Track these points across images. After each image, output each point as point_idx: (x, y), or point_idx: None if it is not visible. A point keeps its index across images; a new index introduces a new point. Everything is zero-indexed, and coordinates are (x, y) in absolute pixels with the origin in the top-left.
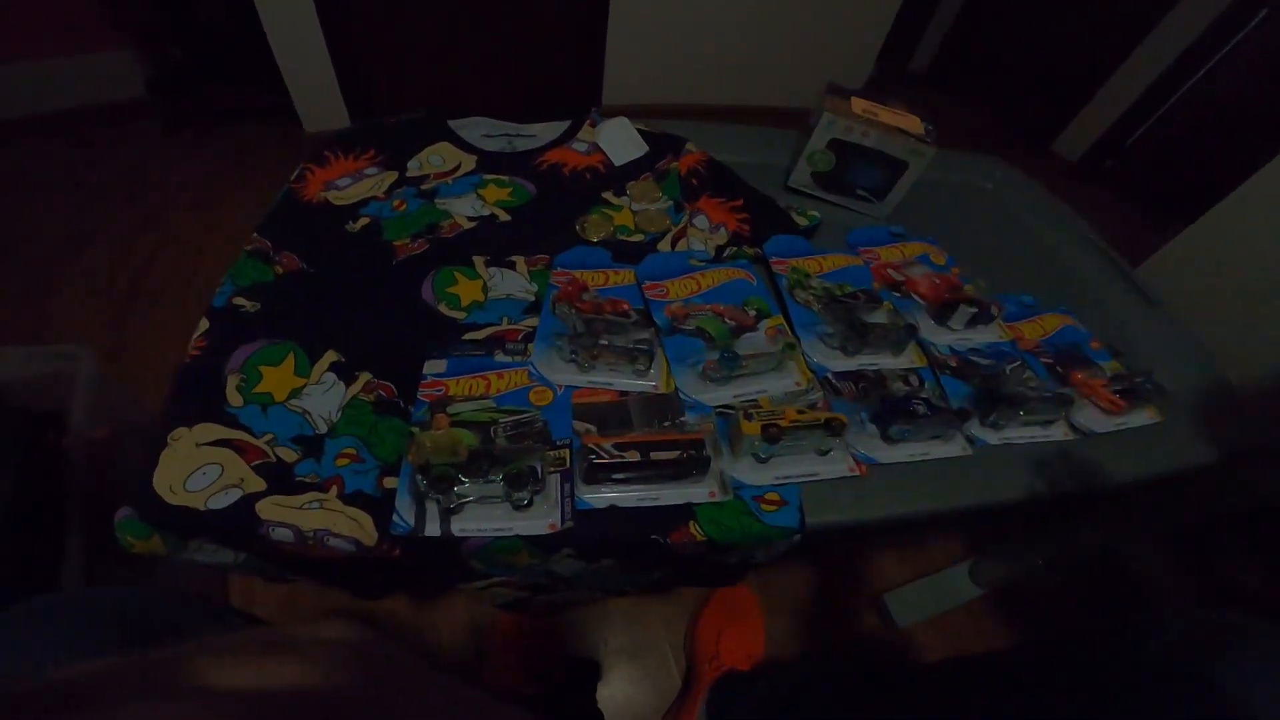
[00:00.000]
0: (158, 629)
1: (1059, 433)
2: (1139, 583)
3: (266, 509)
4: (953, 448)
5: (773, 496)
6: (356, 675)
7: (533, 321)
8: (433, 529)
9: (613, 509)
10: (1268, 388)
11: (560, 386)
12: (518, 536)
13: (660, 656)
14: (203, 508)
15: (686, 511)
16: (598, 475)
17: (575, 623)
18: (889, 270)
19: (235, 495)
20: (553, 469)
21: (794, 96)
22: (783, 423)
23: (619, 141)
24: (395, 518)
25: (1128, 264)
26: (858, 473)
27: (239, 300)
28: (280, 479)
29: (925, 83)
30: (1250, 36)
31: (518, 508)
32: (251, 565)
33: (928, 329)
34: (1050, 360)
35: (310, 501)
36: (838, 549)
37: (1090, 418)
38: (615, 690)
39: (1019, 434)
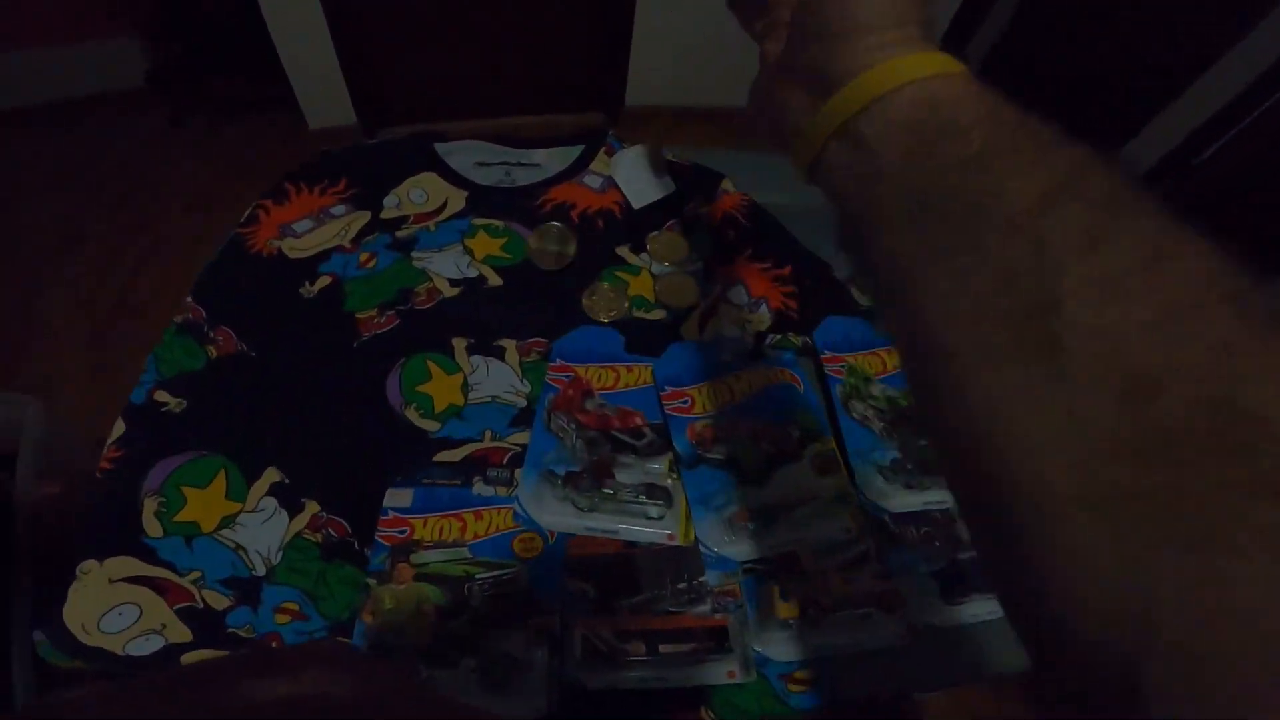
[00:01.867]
0: None
1: None
2: None
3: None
4: None
5: (802, 675)
6: (348, 685)
7: (522, 438)
8: None
9: (612, 691)
10: None
11: (552, 535)
12: None
13: None
14: (120, 652)
15: (699, 695)
16: (595, 662)
17: None
18: None
19: (158, 643)
20: (538, 641)
21: None
22: (825, 602)
23: (639, 177)
24: None
25: None
26: (906, 641)
27: (162, 395)
28: (208, 630)
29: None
30: None
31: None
32: None
33: None
34: None
35: None
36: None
37: None
38: None
39: None
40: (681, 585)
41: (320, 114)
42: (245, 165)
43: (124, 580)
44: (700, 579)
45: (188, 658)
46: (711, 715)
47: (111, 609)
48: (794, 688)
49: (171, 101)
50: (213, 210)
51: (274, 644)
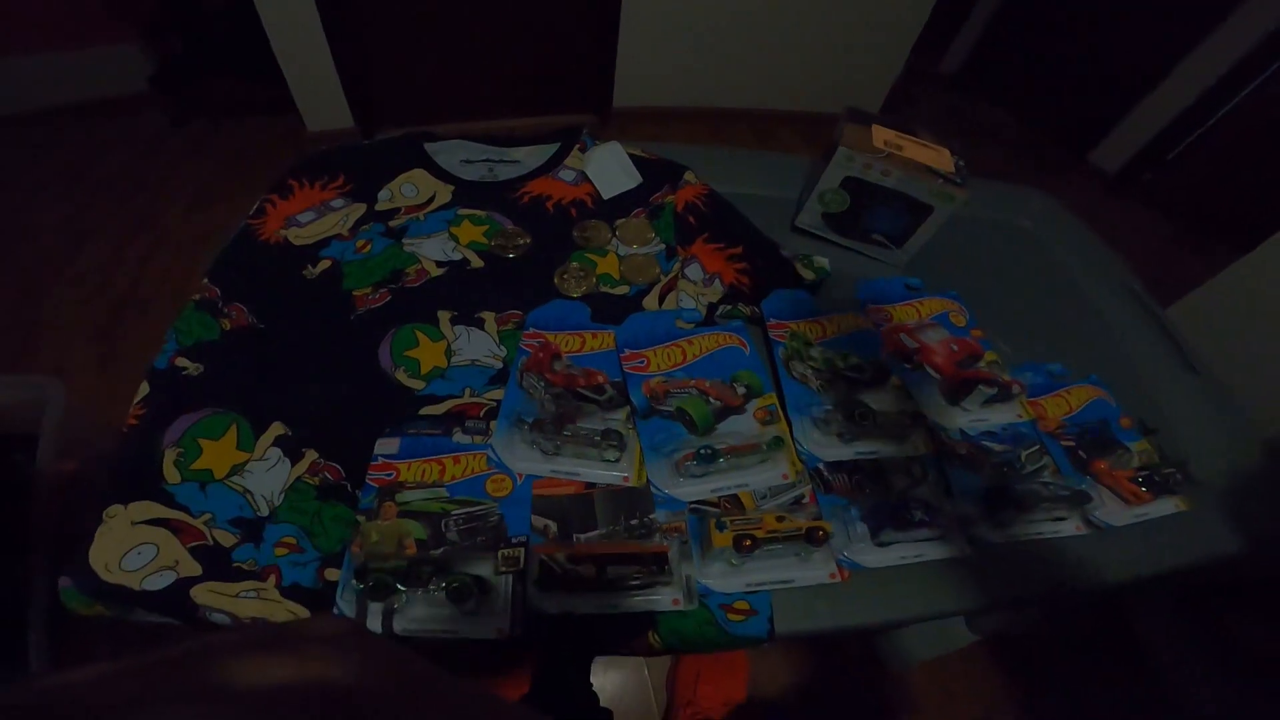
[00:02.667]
0: None
1: (1071, 528)
2: (1137, 638)
3: (202, 595)
4: (950, 548)
5: (742, 605)
6: (355, 666)
7: (497, 394)
8: (374, 626)
9: (567, 615)
10: None
11: (520, 476)
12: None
13: (639, 683)
14: (138, 588)
15: (647, 620)
16: (551, 585)
17: None
18: (901, 335)
19: (170, 578)
20: (505, 569)
21: (818, 101)
22: (758, 533)
23: (609, 171)
24: (335, 611)
25: (1146, 288)
26: (839, 579)
27: (182, 361)
28: (216, 564)
29: (956, 85)
30: None
31: (464, 613)
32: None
33: (939, 410)
34: (1072, 443)
35: (247, 590)
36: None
37: (1109, 511)
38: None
39: (1025, 531)
40: (634, 521)
41: (318, 117)
42: (245, 166)
43: (145, 523)
44: (650, 516)
45: (197, 591)
46: (658, 639)
47: (132, 549)
48: (733, 617)
49: (173, 105)
50: (214, 209)
51: (272, 578)
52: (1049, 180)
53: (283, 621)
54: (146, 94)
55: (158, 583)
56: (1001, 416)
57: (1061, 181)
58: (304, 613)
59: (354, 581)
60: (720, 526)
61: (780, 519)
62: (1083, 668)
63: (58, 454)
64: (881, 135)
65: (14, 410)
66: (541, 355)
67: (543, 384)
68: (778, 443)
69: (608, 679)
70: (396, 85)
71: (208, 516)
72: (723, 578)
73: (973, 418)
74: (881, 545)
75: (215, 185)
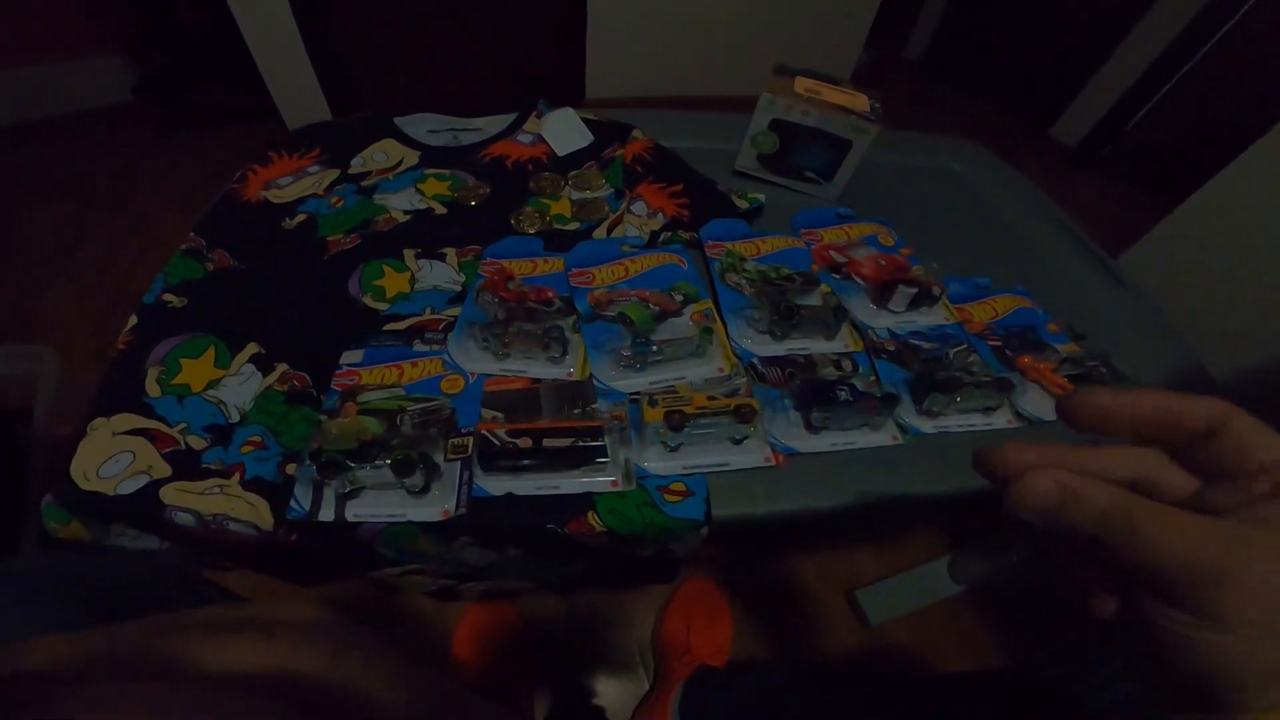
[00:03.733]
0: (123, 597)
1: (1002, 420)
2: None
3: (169, 494)
4: (881, 436)
5: (678, 487)
6: (322, 655)
7: (456, 311)
8: (327, 514)
9: (510, 497)
10: (1251, 374)
11: (473, 375)
12: (411, 523)
13: (627, 654)
14: (112, 493)
15: (587, 501)
16: (494, 463)
17: (537, 624)
18: (830, 252)
19: (142, 481)
20: (454, 456)
21: None
22: (688, 409)
23: (563, 132)
24: (292, 502)
25: (1103, 248)
26: (774, 463)
27: (168, 297)
28: (186, 466)
29: (920, 70)
30: (1246, 18)
31: (412, 494)
32: (178, 553)
33: (867, 312)
34: (999, 343)
35: (211, 487)
36: (805, 541)
37: (1036, 403)
38: (583, 685)
39: (956, 422)
40: (577, 411)
41: (299, 120)
42: (233, 170)
43: (125, 433)
44: (593, 406)
45: (165, 490)
46: (598, 519)
47: (110, 457)
48: (670, 498)
49: (158, 115)
50: (204, 212)
51: (236, 475)
52: (1012, 156)
53: (252, 605)
54: (132, 104)
55: (130, 486)
56: (928, 319)
57: (1024, 157)
58: (263, 505)
59: (308, 462)
60: (653, 403)
61: (711, 398)
62: (1069, 617)
63: (54, 420)
64: (803, 84)
65: (12, 382)
66: (496, 277)
67: (497, 299)
68: (708, 333)
69: (591, 634)
70: (374, 86)
71: (183, 425)
72: (660, 460)
73: (900, 319)
74: (813, 430)
75: (204, 190)
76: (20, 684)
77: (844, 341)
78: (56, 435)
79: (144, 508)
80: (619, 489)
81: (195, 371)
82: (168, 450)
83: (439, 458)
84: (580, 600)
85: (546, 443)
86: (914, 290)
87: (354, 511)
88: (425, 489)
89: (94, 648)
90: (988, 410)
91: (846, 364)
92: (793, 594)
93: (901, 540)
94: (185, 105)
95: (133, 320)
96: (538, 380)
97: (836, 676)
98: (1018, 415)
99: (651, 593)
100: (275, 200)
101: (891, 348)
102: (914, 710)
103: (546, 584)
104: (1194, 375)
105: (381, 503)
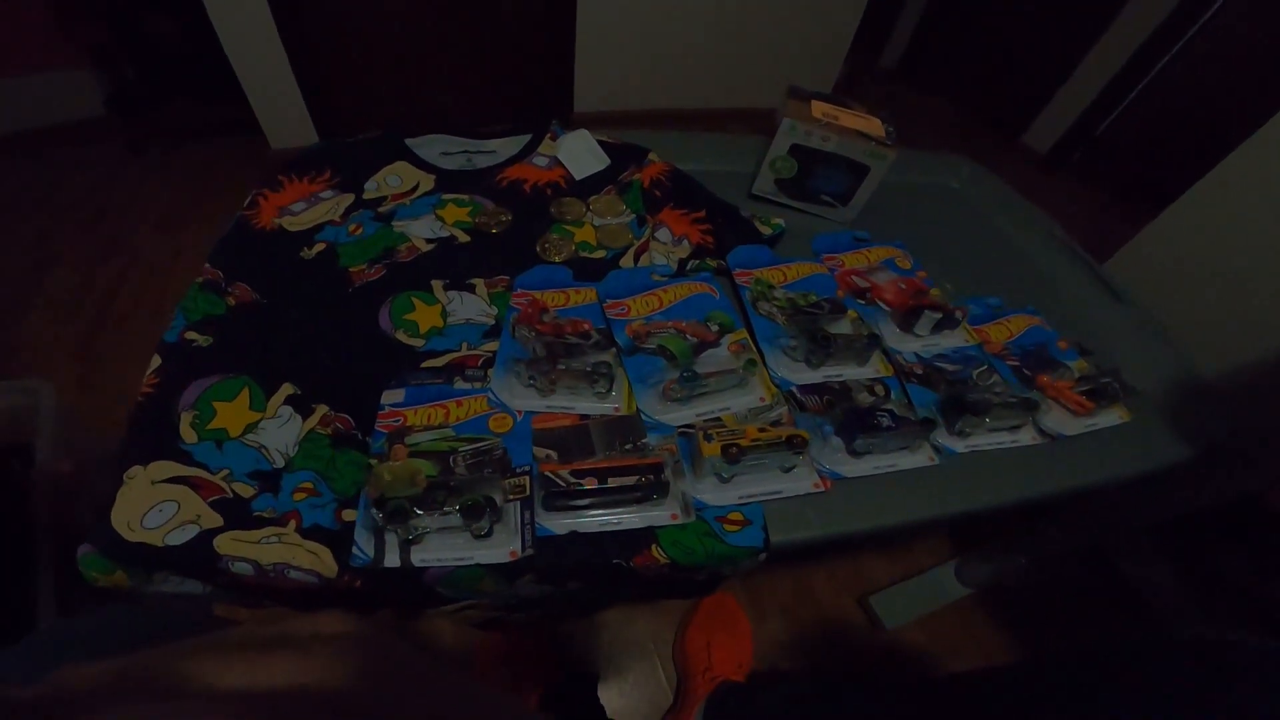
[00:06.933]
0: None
1: (1027, 438)
2: (1127, 581)
3: (224, 544)
4: (919, 458)
5: (736, 516)
6: (356, 670)
7: (493, 346)
8: (392, 560)
9: (574, 535)
10: (1242, 377)
11: (520, 412)
12: (478, 565)
13: (649, 667)
14: (161, 544)
15: (649, 535)
16: (556, 502)
17: (562, 637)
18: (853, 277)
19: (193, 531)
20: (513, 497)
21: (765, 97)
22: (743, 442)
23: (579, 155)
24: (355, 549)
25: (1095, 260)
26: (822, 488)
27: (191, 335)
28: (237, 514)
29: (896, 79)
30: (1210, 24)
31: (477, 537)
32: (221, 595)
33: (893, 336)
34: (1017, 363)
35: (268, 536)
36: (818, 555)
37: (1058, 421)
38: (606, 701)
39: (986, 441)
40: (628, 446)
41: (282, 134)
42: (212, 186)
43: (164, 481)
44: (643, 440)
45: (220, 540)
46: (661, 552)
47: (153, 507)
48: (729, 528)
49: (131, 129)
50: (184, 229)
51: (292, 522)
52: (986, 162)
53: (285, 620)
54: (105, 118)
55: (180, 537)
56: (950, 341)
57: (997, 162)
58: (325, 553)
59: (373, 510)
60: (709, 438)
61: (762, 429)
62: (1078, 615)
63: (54, 455)
64: (820, 108)
65: (6, 418)
66: (530, 310)
67: (533, 334)
68: (751, 365)
69: (614, 648)
70: (359, 99)
71: (225, 472)
72: (715, 491)
73: (924, 343)
74: (856, 455)
75: (182, 205)
76: (58, 704)
77: (874, 367)
78: (59, 471)
79: (198, 558)
80: (679, 521)
81: (231, 415)
82: (214, 499)
83: (499, 498)
84: (600, 617)
85: (612, 481)
86: (938, 315)
87: (420, 556)
88: (488, 532)
89: (128, 671)
90: (1014, 429)
91: (879, 389)
92: (809, 602)
93: (909, 545)
94: (159, 119)
95: (156, 361)
96: (585, 416)
97: (857, 685)
98: (1041, 432)
99: (671, 607)
100: (291, 228)
101: (920, 371)
102: (936, 713)
103: (592, 610)
104: (1193, 385)
105: (447, 546)
